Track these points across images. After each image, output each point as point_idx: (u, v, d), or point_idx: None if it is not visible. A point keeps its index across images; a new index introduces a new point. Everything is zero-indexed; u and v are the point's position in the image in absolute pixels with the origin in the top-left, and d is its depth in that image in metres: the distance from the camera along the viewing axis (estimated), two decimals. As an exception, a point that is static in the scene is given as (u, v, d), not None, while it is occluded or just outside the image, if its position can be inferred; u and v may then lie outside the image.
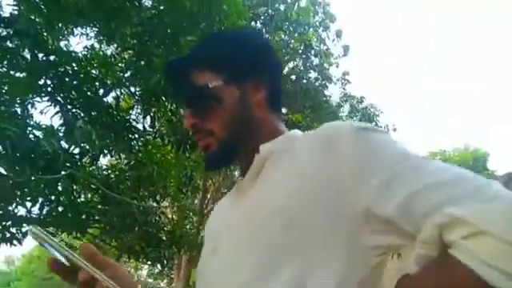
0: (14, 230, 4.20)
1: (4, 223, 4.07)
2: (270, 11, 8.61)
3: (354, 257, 0.60)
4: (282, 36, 8.37)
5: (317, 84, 9.23)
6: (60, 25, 4.17)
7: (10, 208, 3.99)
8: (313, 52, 8.83)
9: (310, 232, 0.61)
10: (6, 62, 3.32)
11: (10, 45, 3.42)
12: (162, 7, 4.13)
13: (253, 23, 8.41)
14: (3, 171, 2.93)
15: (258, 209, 0.67)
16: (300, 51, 8.72)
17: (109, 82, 4.11)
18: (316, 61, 9.13)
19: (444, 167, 0.59)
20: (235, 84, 0.73)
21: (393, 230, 0.58)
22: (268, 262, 0.61)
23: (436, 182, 0.56)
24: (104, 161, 5.49)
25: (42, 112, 4.00)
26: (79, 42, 5.17)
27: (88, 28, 4.82)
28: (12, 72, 3.49)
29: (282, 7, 8.82)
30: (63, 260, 0.65)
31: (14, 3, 3.45)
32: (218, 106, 0.72)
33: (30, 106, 3.82)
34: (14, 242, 4.23)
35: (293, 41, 8.60)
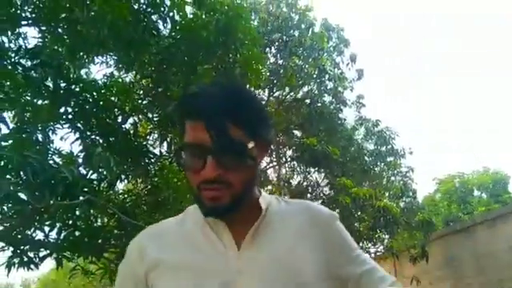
0: (31, 255, 4.26)
1: (22, 247, 4.13)
2: (284, 37, 8.77)
3: None
4: (297, 61, 8.49)
5: (331, 107, 9.27)
6: (81, 54, 4.35)
7: (29, 232, 4.06)
8: (327, 76, 8.91)
9: (312, 285, 0.83)
10: (29, 91, 3.45)
11: (34, 74, 3.57)
12: (179, 36, 4.26)
13: (267, 49, 8.57)
14: (24, 197, 3.00)
15: (272, 263, 0.82)
16: (314, 76, 8.81)
17: (127, 108, 4.21)
18: (330, 85, 9.20)
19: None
20: (258, 146, 0.82)
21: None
22: None
23: (375, 266, 0.92)
24: (121, 185, 5.57)
25: (62, 138, 4.13)
26: (99, 70, 5.34)
27: (108, 56, 5.00)
28: (35, 100, 3.62)
29: (296, 33, 8.98)
30: None
31: (39, 35, 3.60)
32: (245, 163, 0.79)
33: (50, 133, 3.95)
34: (31, 266, 4.28)
35: (307, 66, 8.70)
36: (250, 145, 0.79)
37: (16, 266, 4.15)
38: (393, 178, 10.19)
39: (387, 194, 9.57)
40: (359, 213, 8.38)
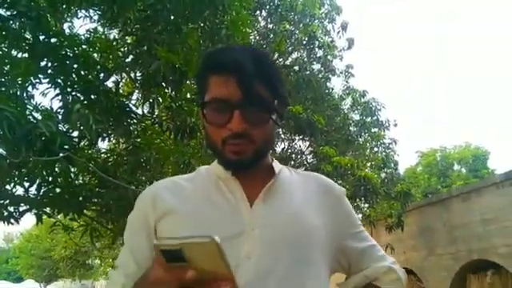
0: (11, 209, 4.26)
1: (2, 202, 4.13)
2: (275, 1, 8.55)
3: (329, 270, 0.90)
4: (287, 26, 8.32)
5: (320, 76, 9.21)
6: (63, 6, 4.18)
7: (8, 187, 4.04)
8: (317, 44, 8.79)
9: (319, 245, 0.86)
10: (7, 43, 3.33)
11: (12, 25, 3.43)
12: (165, -7, 4.11)
13: (257, 12, 8.36)
14: (1, 151, 2.96)
15: (282, 218, 0.84)
16: (304, 42, 8.68)
17: (110, 66, 4.11)
18: (320, 53, 9.10)
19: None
20: (279, 105, 0.87)
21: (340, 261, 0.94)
22: (301, 260, 0.82)
23: (375, 244, 0.99)
24: (103, 145, 5.53)
25: (43, 94, 4.03)
26: (82, 24, 5.16)
27: (92, 11, 4.83)
28: (13, 52, 3.50)
29: (287, -3, 8.75)
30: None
31: (17, -16, 3.44)
32: (268, 120, 0.83)
33: (30, 88, 3.86)
34: (12, 220, 4.30)
35: (297, 31, 8.56)
36: (275, 102, 0.84)
37: (-4, 219, 4.17)
38: (376, 149, 10.33)
39: (369, 165, 9.72)
40: (340, 181, 8.53)
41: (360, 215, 9.83)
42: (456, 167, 19.42)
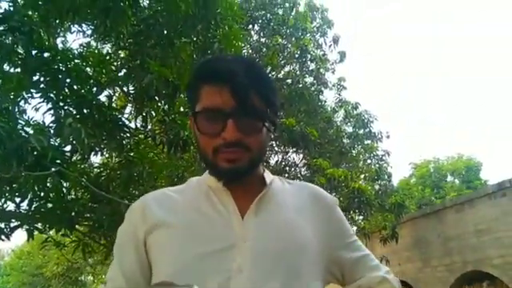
0: (2, 225, 4.20)
1: (-8, 218, 4.07)
2: (267, 15, 8.67)
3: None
4: (279, 40, 8.42)
5: (312, 89, 9.29)
6: (57, 21, 4.19)
7: (-1, 203, 3.99)
8: (309, 57, 8.89)
9: (312, 256, 0.84)
10: (-1, 58, 3.33)
11: (5, 40, 3.42)
12: (158, 8, 4.15)
13: (250, 26, 8.46)
14: (-9, 166, 2.93)
15: (273, 230, 0.83)
16: (296, 56, 8.78)
17: (102, 80, 4.12)
18: (312, 66, 9.20)
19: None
20: (272, 114, 0.87)
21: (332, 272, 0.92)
22: (293, 272, 0.80)
23: (369, 253, 0.96)
24: (96, 159, 5.50)
25: (36, 109, 4.02)
26: (76, 39, 5.18)
27: (84, 26, 4.85)
28: (6, 67, 3.49)
29: (280, 11, 8.88)
30: None
31: (10, -1, 3.46)
32: (262, 129, 0.83)
33: (23, 102, 3.84)
34: (2, 236, 4.22)
35: (290, 45, 8.65)
36: (268, 112, 0.84)
37: (-15, 236, 4.10)
38: (369, 161, 10.37)
39: (363, 177, 9.74)
40: (334, 193, 8.53)
41: (354, 227, 9.81)
42: (449, 178, 19.50)
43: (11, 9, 3.68)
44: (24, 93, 3.72)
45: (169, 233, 0.81)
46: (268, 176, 0.92)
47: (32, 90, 3.73)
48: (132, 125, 4.72)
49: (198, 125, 0.82)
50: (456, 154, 20.16)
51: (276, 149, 9.29)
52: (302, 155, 9.20)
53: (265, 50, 8.54)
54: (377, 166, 9.96)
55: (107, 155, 5.06)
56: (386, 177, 9.99)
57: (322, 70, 9.36)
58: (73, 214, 4.41)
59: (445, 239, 8.80)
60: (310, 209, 0.90)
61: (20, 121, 3.37)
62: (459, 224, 8.43)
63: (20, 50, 3.59)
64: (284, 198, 0.89)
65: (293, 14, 8.88)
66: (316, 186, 1.00)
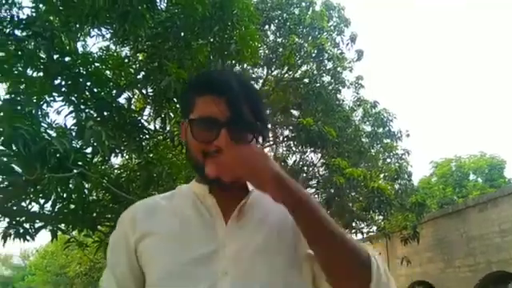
0: (27, 226, 4.31)
1: (18, 219, 4.18)
2: (284, 15, 8.65)
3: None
4: (296, 39, 8.39)
5: (330, 88, 9.22)
6: (76, 25, 4.28)
7: (24, 204, 4.10)
8: (326, 56, 8.83)
9: (292, 256, 0.86)
10: (22, 63, 3.42)
11: (28, 45, 3.52)
12: (175, 10, 4.19)
13: (266, 26, 8.46)
14: (17, 168, 3.01)
15: (257, 232, 0.86)
16: (313, 55, 8.73)
17: (122, 83, 4.18)
18: (329, 65, 9.13)
19: None
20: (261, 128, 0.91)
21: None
22: (278, 271, 0.82)
23: None
24: (116, 160, 5.59)
25: (58, 112, 4.11)
26: (95, 43, 5.28)
27: (104, 29, 4.94)
28: (28, 72, 3.59)
29: (296, 11, 8.85)
30: None
31: (33, 5, 3.54)
32: (251, 140, 0.86)
33: (45, 106, 3.93)
34: (27, 237, 4.34)
35: (306, 45, 8.61)
36: (258, 125, 0.88)
37: (12, 236, 4.21)
38: (389, 160, 10.24)
39: (382, 176, 9.63)
40: (353, 193, 8.45)
41: (374, 227, 9.71)
42: (472, 177, 19.08)
43: (33, 15, 3.79)
44: (46, 96, 3.82)
45: (156, 241, 0.85)
46: (250, 184, 0.94)
47: (54, 94, 3.82)
48: (151, 126, 4.79)
49: (192, 131, 0.85)
50: (479, 152, 19.71)
51: (294, 149, 9.27)
52: (319, 155, 9.15)
53: (281, 49, 8.53)
54: (396, 165, 9.82)
55: (127, 157, 5.14)
56: (406, 176, 9.85)
57: (339, 69, 9.28)
58: (94, 214, 4.50)
59: (468, 239, 8.61)
60: (287, 218, 0.88)
61: (43, 124, 3.46)
62: (483, 223, 8.24)
63: (42, 55, 3.69)
64: (265, 203, 0.90)
65: (309, 13, 8.84)
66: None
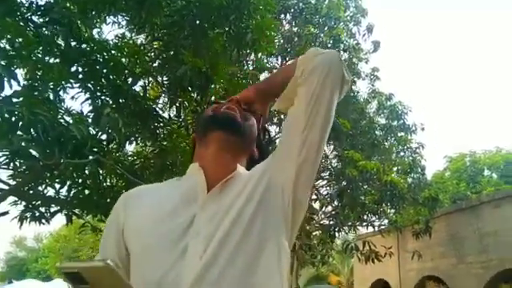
0: (42, 210, 4.40)
1: (34, 203, 4.26)
2: (300, 4, 8.54)
3: None
4: (312, 29, 8.29)
5: (345, 79, 9.10)
6: (93, 13, 4.30)
7: (40, 188, 4.17)
8: (342, 46, 8.71)
9: (264, 217, 0.90)
10: (40, 49, 3.44)
11: (46, 32, 3.54)
12: (191, -1, 4.17)
13: (282, 16, 8.37)
14: (35, 153, 3.06)
15: (234, 202, 0.89)
16: (329, 45, 8.62)
17: (137, 70, 4.20)
18: (345, 55, 9.01)
19: None
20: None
21: None
22: (247, 231, 0.85)
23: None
24: (130, 147, 5.64)
25: (73, 98, 4.15)
26: (111, 30, 5.30)
27: (120, 17, 4.94)
28: (46, 58, 3.62)
29: (312, 0, 8.73)
30: None
31: (50, -9, 3.56)
32: (254, 121, 1.06)
33: (61, 92, 3.97)
34: (43, 220, 4.43)
35: (322, 35, 8.51)
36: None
37: (28, 220, 4.30)
38: (402, 154, 10.13)
39: (395, 169, 9.54)
40: (366, 186, 8.40)
41: (386, 221, 9.66)
42: (486, 173, 18.78)
43: (51, 1, 3.80)
44: (63, 83, 3.86)
45: (139, 216, 0.92)
46: (240, 167, 1.01)
47: (71, 80, 3.85)
48: (165, 115, 4.80)
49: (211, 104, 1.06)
50: (494, 147, 19.36)
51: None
52: (332, 146, 9.09)
53: (296, 39, 8.44)
54: (410, 158, 9.72)
55: (141, 144, 5.18)
56: (420, 170, 9.74)
57: (354, 60, 9.17)
58: (108, 200, 4.56)
59: (481, 235, 8.52)
60: (257, 172, 0.96)
61: (60, 110, 3.50)
62: (497, 220, 8.13)
63: (60, 42, 3.72)
64: (245, 176, 0.96)
65: (326, 2, 8.71)
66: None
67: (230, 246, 0.82)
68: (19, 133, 2.86)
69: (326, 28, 8.62)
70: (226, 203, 0.89)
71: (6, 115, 2.65)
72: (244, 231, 0.84)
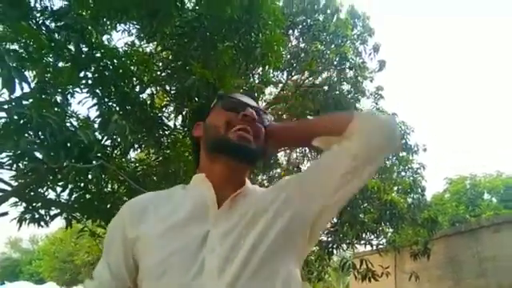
0: (42, 212, 4.39)
1: (34, 204, 4.26)
2: (308, 21, 8.64)
3: None
4: (319, 46, 8.37)
5: (349, 97, 9.16)
6: (105, 20, 4.36)
7: (41, 191, 4.18)
8: (348, 64, 8.78)
9: (274, 235, 0.91)
10: (52, 53, 3.49)
11: (58, 37, 3.59)
12: (203, 11, 4.23)
13: (290, 31, 8.46)
14: (40, 156, 3.08)
15: (244, 218, 0.92)
16: (335, 63, 8.69)
17: (145, 79, 4.24)
18: (350, 73, 9.08)
19: None
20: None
21: None
22: (262, 248, 0.86)
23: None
24: (133, 154, 5.65)
25: (80, 102, 4.19)
26: (121, 38, 5.36)
27: (130, 25, 5.01)
28: (56, 62, 3.66)
29: (320, 17, 8.83)
30: None
31: (65, -3, 3.62)
32: (263, 133, 1.05)
33: (69, 96, 4.01)
34: (42, 223, 4.42)
35: (329, 52, 8.58)
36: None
37: (27, 221, 4.30)
38: (403, 174, 10.12)
39: (396, 189, 9.53)
40: (365, 204, 8.39)
41: (384, 240, 9.60)
42: (486, 196, 18.71)
43: (64, 7, 3.86)
44: (71, 87, 3.89)
45: (153, 227, 0.91)
46: (248, 183, 1.04)
47: (80, 85, 3.89)
48: (171, 123, 4.83)
49: (224, 104, 1.02)
50: (495, 171, 19.33)
51: (309, 155, 9.24)
52: (334, 163, 9.08)
53: (303, 55, 8.52)
54: (411, 179, 9.71)
55: (145, 151, 5.19)
56: (420, 190, 9.72)
57: (360, 78, 9.22)
58: (109, 206, 4.55)
59: (480, 259, 8.46)
60: (273, 195, 0.97)
61: (67, 114, 3.53)
62: (496, 245, 8.09)
63: (71, 47, 3.76)
64: (256, 192, 1.00)
65: (334, 20, 8.81)
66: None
67: (247, 271, 0.83)
68: (26, 135, 2.89)
69: (332, 45, 8.71)
70: (236, 221, 0.90)
71: (15, 117, 2.67)
72: (260, 257, 0.85)
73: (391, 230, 8.94)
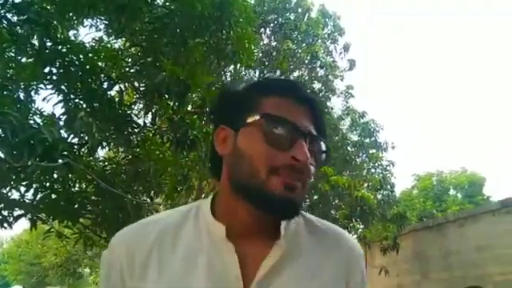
0: (5, 213, 4.22)
1: (-4, 206, 4.09)
2: (279, 19, 8.68)
3: None
4: (290, 45, 8.43)
5: (320, 95, 9.29)
6: (71, 15, 4.23)
7: (4, 191, 4.01)
8: (319, 63, 8.90)
9: None
10: (14, 48, 3.36)
11: (20, 31, 3.46)
12: (173, 7, 4.17)
13: (262, 30, 8.48)
14: (1, 155, 2.95)
15: None
16: (306, 61, 8.78)
17: (114, 75, 4.14)
18: (321, 72, 9.20)
19: None
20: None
21: None
22: None
23: None
24: (102, 153, 5.52)
25: (44, 99, 4.04)
26: (88, 33, 5.22)
27: (98, 20, 4.88)
28: (19, 57, 3.53)
29: (292, 16, 8.90)
30: None
31: (28, -10, 3.49)
32: (322, 162, 0.75)
33: (33, 93, 3.87)
34: (5, 224, 4.25)
35: (300, 50, 8.66)
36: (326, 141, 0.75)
37: (-11, 223, 4.12)
38: (373, 170, 10.35)
39: (366, 185, 9.73)
40: (337, 201, 8.53)
41: (355, 236, 9.79)
42: (452, 192, 19.42)
43: (28, 0, 3.72)
44: (35, 83, 3.76)
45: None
46: (283, 223, 0.73)
47: (44, 81, 3.76)
48: (140, 121, 4.75)
49: (264, 129, 0.66)
50: (460, 167, 20.08)
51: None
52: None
53: (275, 53, 8.56)
54: (380, 175, 9.94)
55: (114, 150, 5.08)
56: (389, 187, 9.97)
57: (330, 77, 9.36)
58: (76, 206, 4.43)
59: (445, 253, 8.75)
60: (330, 264, 0.75)
61: (31, 111, 3.41)
62: (461, 239, 8.39)
63: (35, 41, 3.63)
64: (299, 259, 0.73)
65: (305, 19, 8.89)
66: (345, 233, 0.85)
67: None
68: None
69: (304, 44, 8.80)
70: None
71: (-26, 114, 2.56)
72: None
73: (362, 225, 9.12)
